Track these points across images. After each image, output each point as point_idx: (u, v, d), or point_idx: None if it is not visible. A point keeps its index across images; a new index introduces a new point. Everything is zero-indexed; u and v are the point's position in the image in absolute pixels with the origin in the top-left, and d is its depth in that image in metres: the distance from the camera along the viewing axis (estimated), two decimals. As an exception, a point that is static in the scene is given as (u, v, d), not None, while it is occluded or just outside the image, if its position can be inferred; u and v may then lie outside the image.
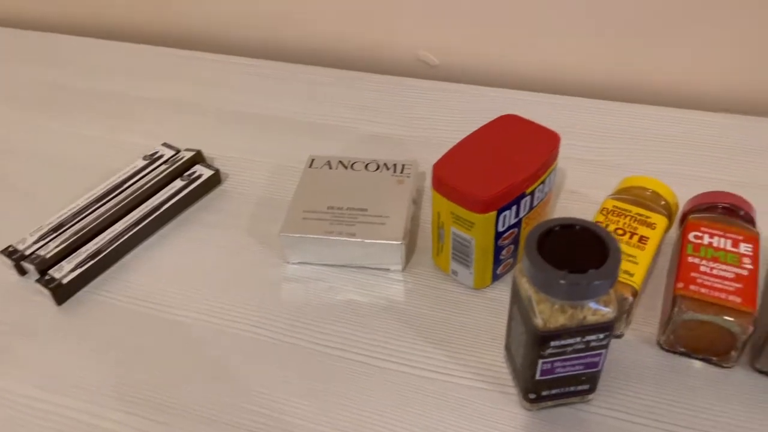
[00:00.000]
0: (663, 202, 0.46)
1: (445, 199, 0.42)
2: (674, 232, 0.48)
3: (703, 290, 0.39)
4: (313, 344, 0.44)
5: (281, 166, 0.58)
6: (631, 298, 0.39)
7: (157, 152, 0.58)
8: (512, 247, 0.45)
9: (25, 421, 0.40)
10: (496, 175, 0.41)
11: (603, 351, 0.35)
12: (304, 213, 0.48)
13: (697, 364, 0.41)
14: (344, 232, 0.47)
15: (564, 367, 0.35)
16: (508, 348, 0.40)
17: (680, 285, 0.39)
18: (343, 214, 0.48)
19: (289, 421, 0.40)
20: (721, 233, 0.42)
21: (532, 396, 0.37)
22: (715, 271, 0.40)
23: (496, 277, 0.46)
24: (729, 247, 0.41)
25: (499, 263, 0.45)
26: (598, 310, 0.33)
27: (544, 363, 0.35)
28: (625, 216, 0.44)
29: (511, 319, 0.38)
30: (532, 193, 0.43)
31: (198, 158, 0.57)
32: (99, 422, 0.40)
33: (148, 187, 0.54)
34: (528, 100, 0.64)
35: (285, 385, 0.41)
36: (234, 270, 0.49)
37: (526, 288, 0.34)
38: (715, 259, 0.41)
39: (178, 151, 0.57)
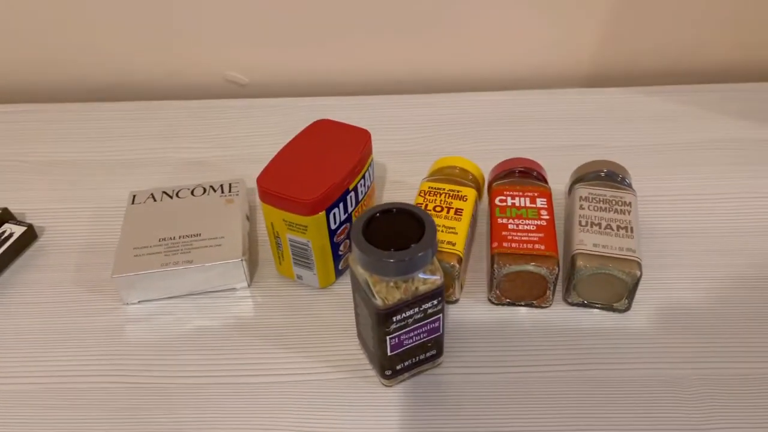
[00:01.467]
0: (471, 177, 0.51)
1: (275, 208, 0.44)
2: (486, 199, 0.53)
3: (513, 245, 0.44)
4: (172, 378, 0.43)
5: (100, 209, 0.56)
6: (457, 265, 0.44)
7: (-45, 219, 0.53)
8: (348, 241, 0.47)
9: None
10: (318, 178, 0.44)
11: (440, 315, 0.39)
12: (135, 250, 0.47)
13: (523, 310, 0.46)
14: (181, 260, 0.46)
15: (410, 338, 0.39)
16: (360, 335, 0.43)
17: (495, 245, 0.45)
18: (177, 243, 0.48)
19: (159, 460, 0.39)
20: (520, 193, 0.48)
21: (388, 372, 0.40)
22: (520, 227, 0.46)
23: (338, 273, 0.48)
24: (528, 204, 0.47)
25: (339, 259, 0.47)
26: (428, 279, 0.36)
27: (391, 338, 0.38)
28: (440, 194, 0.48)
29: (356, 306, 0.40)
30: (355, 189, 0.46)
31: (5, 216, 0.53)
32: None
33: (-49, 258, 0.49)
34: (338, 104, 0.67)
35: (154, 426, 0.40)
36: (69, 324, 0.46)
37: (361, 273, 0.37)
38: (519, 217, 0.46)
39: (-20, 214, 0.53)
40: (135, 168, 0.60)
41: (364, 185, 0.48)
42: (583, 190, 0.48)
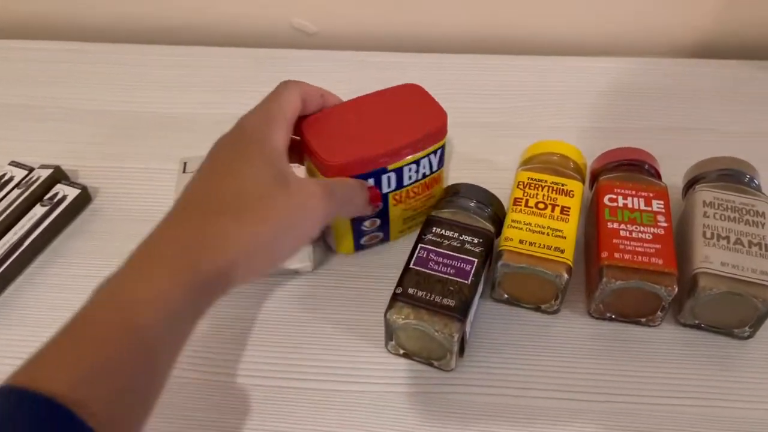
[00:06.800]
0: (572, 165, 0.45)
1: (307, 156, 0.40)
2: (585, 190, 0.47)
3: (626, 257, 0.39)
4: (244, 377, 0.39)
5: (155, 170, 0.51)
6: (566, 276, 0.38)
7: (5, 174, 0.49)
8: (377, 221, 0.43)
9: None
10: (358, 143, 0.39)
11: (475, 261, 0.38)
12: (197, 228, 0.43)
13: (628, 327, 0.41)
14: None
15: (437, 264, 0.38)
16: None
17: (605, 254, 0.39)
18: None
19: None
20: (633, 192, 0.42)
21: (398, 290, 0.37)
22: (634, 234, 0.40)
23: (360, 247, 0.45)
24: (643, 207, 0.41)
25: (361, 235, 0.43)
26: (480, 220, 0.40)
27: (421, 249, 0.39)
28: (542, 187, 0.42)
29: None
30: (398, 172, 0.40)
31: (58, 176, 0.49)
32: None
33: (2, 220, 0.45)
34: (413, 62, 0.60)
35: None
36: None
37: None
38: (632, 221, 0.40)
39: (31, 170, 0.49)
40: (189, 123, 0.55)
41: (417, 171, 0.41)
42: (706, 194, 0.42)
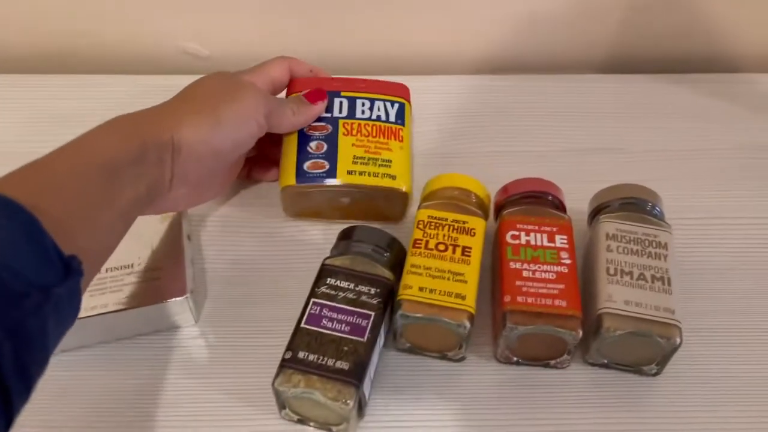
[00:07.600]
0: (474, 199, 0.42)
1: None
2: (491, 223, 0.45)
3: (529, 300, 0.37)
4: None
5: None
6: (468, 325, 0.36)
7: None
8: (324, 145, 0.44)
9: None
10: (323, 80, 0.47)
11: (372, 315, 0.36)
12: (57, 289, 0.38)
13: (536, 370, 0.39)
14: (111, 302, 0.37)
15: (331, 321, 0.35)
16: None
17: (507, 299, 0.37)
18: (104, 279, 0.38)
19: None
20: (536, 228, 0.40)
21: (287, 355, 0.34)
22: (537, 275, 0.38)
23: (302, 176, 0.43)
24: (546, 243, 0.39)
25: (306, 156, 0.44)
26: (379, 267, 0.38)
27: (313, 305, 0.36)
28: (443, 226, 0.40)
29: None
30: (351, 100, 0.46)
31: None
32: None
33: None
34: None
35: None
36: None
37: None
38: (535, 260, 0.38)
39: None
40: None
41: (371, 109, 0.46)
42: (609, 225, 0.40)
